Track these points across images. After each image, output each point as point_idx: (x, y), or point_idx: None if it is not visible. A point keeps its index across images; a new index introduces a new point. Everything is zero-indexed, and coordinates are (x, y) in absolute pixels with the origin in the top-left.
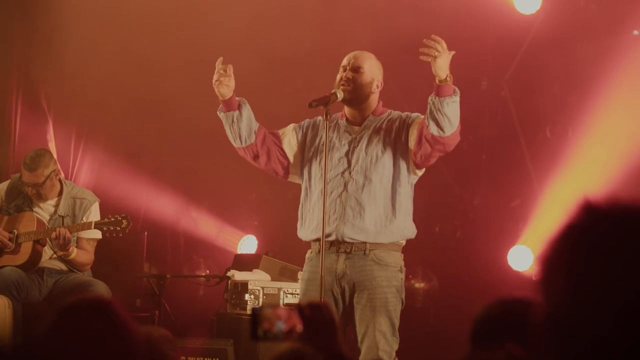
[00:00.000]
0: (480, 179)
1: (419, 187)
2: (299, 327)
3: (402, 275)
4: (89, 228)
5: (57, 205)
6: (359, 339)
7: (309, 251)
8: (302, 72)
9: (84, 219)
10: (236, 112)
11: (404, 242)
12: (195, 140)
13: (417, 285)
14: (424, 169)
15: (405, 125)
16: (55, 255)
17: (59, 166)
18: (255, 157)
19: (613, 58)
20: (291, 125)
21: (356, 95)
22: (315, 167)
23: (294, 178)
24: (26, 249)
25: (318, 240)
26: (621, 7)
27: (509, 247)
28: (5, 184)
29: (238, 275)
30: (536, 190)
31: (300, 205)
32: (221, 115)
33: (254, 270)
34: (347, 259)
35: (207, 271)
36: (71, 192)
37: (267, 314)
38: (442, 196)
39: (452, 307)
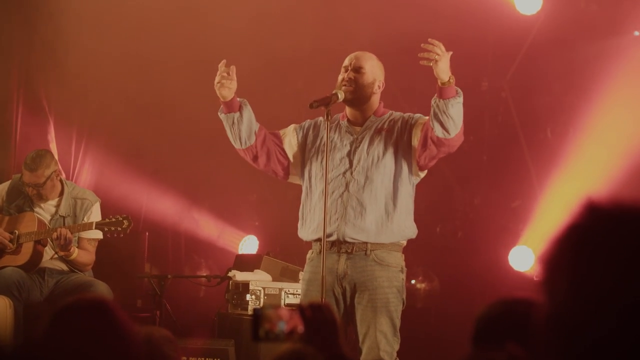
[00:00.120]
0: (481, 179)
1: (419, 188)
2: (301, 327)
3: (403, 276)
4: (90, 228)
5: (58, 206)
6: (360, 339)
7: (310, 251)
8: (303, 73)
9: (85, 219)
10: (237, 114)
11: (405, 243)
12: (196, 141)
13: (418, 285)
14: (426, 171)
15: (407, 126)
16: (56, 256)
17: (59, 166)
18: (255, 158)
19: (613, 59)
20: (292, 126)
21: (358, 95)
22: (316, 167)
23: (294, 179)
24: (27, 249)
25: (319, 240)
26: (622, 8)
27: (510, 247)
28: (6, 184)
29: (239, 276)
30: (537, 190)
31: (301, 206)
32: (222, 116)
33: (255, 270)
34: (348, 259)
35: (208, 271)
36: (72, 192)
37: (268, 314)
38: (443, 196)
39: (453, 307)
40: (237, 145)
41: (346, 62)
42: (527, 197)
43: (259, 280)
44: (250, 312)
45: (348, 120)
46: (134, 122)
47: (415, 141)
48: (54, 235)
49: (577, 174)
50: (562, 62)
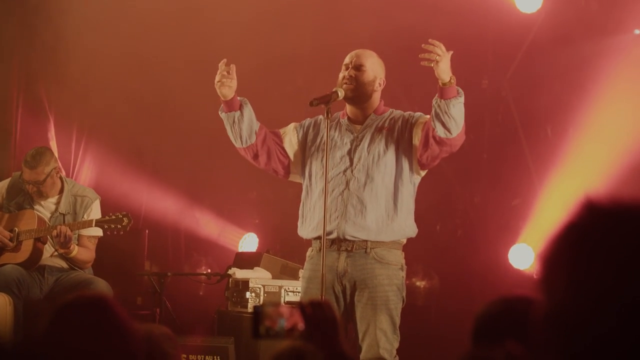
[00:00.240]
0: (481, 177)
1: (420, 186)
2: (301, 325)
3: (403, 274)
4: (90, 226)
5: (58, 203)
6: (360, 337)
7: (310, 249)
8: (303, 71)
9: (85, 216)
10: (237, 113)
11: (405, 241)
12: (196, 139)
13: (418, 283)
14: (426, 170)
15: (408, 125)
16: (56, 253)
17: (59, 164)
18: (255, 156)
19: (614, 57)
20: (292, 125)
21: (358, 93)
22: (316, 165)
23: (294, 177)
24: (27, 246)
25: (319, 238)
26: (622, 7)
27: (510, 245)
28: (6, 181)
29: (239, 273)
30: (537, 188)
31: (301, 204)
32: (222, 115)
33: (255, 268)
34: (348, 257)
35: (208, 269)
36: (72, 189)
37: (268, 311)
38: (443, 195)
39: (453, 305)
40: (237, 144)
41: (347, 59)
42: (527, 195)
43: (258, 278)
44: (250, 309)
45: (348, 118)
46: (134, 121)
47: (416, 140)
48: (54, 232)
49: (576, 172)
50: (562, 60)
